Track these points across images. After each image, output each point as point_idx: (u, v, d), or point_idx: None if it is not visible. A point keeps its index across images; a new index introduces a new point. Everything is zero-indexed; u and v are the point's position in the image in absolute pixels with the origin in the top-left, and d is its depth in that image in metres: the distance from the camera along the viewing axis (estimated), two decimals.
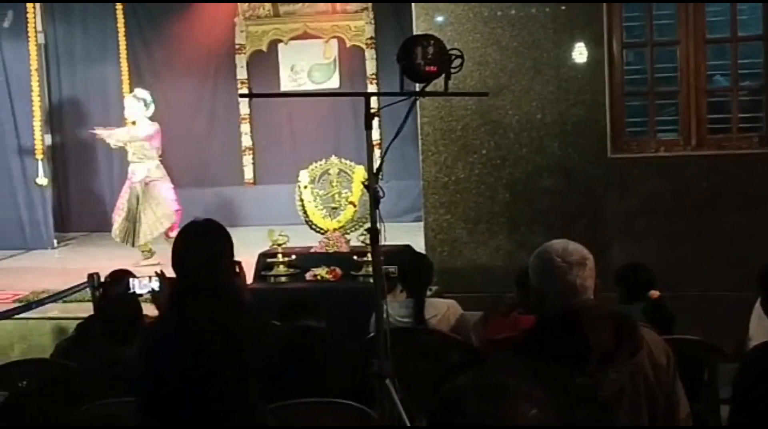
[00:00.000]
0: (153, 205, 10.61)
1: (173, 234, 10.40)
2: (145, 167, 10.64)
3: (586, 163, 8.58)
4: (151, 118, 10.84)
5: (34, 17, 11.92)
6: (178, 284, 3.71)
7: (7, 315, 8.07)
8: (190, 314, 3.57)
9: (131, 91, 12.61)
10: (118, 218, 10.77)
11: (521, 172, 8.72)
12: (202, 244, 3.67)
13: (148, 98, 10.81)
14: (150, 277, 5.26)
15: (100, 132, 10.81)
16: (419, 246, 8.73)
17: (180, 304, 3.65)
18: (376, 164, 4.43)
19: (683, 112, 8.54)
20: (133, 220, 10.60)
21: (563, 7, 8.50)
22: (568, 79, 8.56)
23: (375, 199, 4.33)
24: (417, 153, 9.12)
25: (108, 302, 5.54)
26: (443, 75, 4.26)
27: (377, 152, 9.83)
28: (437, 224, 8.92)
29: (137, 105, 10.73)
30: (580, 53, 8.53)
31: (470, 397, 2.01)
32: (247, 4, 13.09)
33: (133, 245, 10.64)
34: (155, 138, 10.66)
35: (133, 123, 10.92)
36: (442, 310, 6.14)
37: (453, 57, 4.24)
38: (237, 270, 4.00)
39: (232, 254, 3.76)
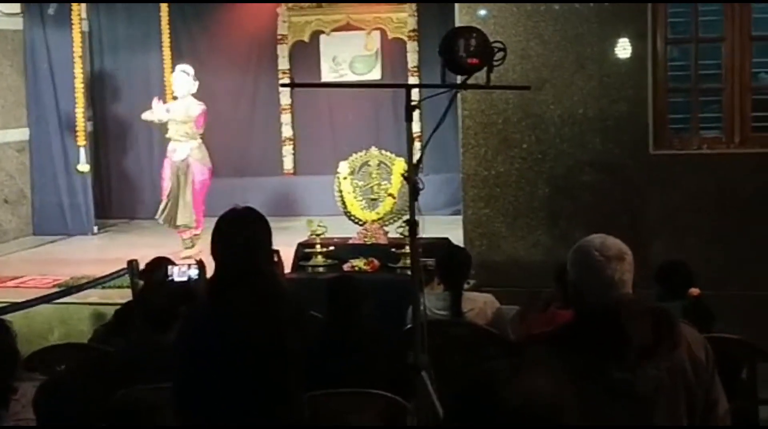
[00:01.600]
0: (189, 191, 10.53)
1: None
2: (187, 146, 10.49)
3: (628, 158, 8.52)
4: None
5: (78, 5, 11.98)
6: (217, 271, 3.72)
7: (47, 299, 8.13)
8: (229, 301, 3.58)
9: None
10: (164, 200, 10.65)
11: (562, 167, 8.68)
12: (241, 231, 3.68)
13: (193, 73, 10.71)
14: (189, 264, 5.28)
15: (156, 108, 10.55)
16: (458, 239, 8.71)
17: (218, 291, 3.66)
18: (416, 156, 4.43)
19: (727, 110, 8.47)
20: (174, 200, 10.50)
21: (607, 3, 8.44)
22: (610, 74, 8.51)
23: (414, 191, 4.33)
24: (457, 146, 9.10)
25: (147, 289, 5.58)
26: (485, 68, 4.24)
27: (417, 144, 9.82)
28: (476, 218, 8.90)
29: (187, 79, 10.56)
30: (623, 48, 8.47)
31: (489, 379, 2.02)
32: None
33: (173, 226, 10.56)
34: (202, 118, 10.61)
35: (174, 98, 10.85)
36: (479, 303, 6.12)
37: (495, 50, 4.22)
38: (275, 259, 4.02)
39: (270, 243, 3.77)
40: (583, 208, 8.56)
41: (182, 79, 10.56)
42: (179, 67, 10.79)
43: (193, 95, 10.57)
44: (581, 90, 8.57)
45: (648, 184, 8.50)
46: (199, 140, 10.58)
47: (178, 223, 10.52)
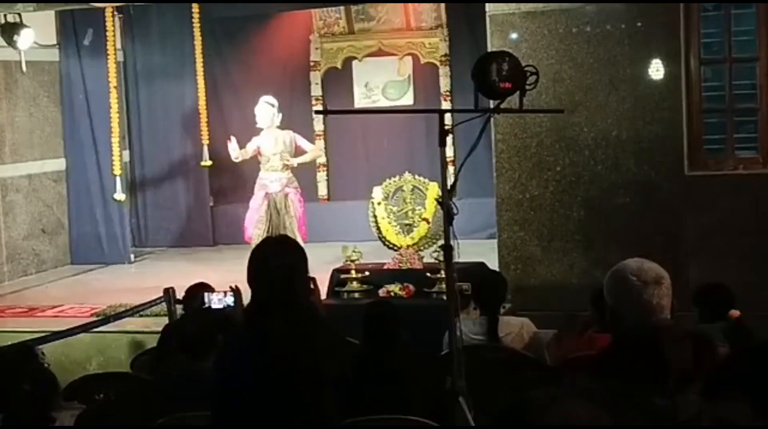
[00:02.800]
0: (290, 217, 10.40)
1: None
2: (284, 176, 10.41)
3: (663, 180, 8.48)
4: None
5: (114, 35, 12.09)
6: (253, 299, 3.73)
7: (85, 329, 8.18)
8: (266, 329, 3.59)
9: (207, 107, 12.78)
10: (257, 232, 10.37)
11: (596, 190, 8.65)
12: (277, 259, 3.69)
13: (277, 104, 10.62)
14: (225, 292, 5.30)
15: (232, 149, 10.50)
16: (493, 263, 8.70)
17: (255, 318, 3.67)
18: (449, 181, 4.42)
19: (762, 130, 8.41)
20: (274, 232, 10.25)
21: (639, 24, 8.43)
22: (644, 95, 8.48)
23: (449, 216, 4.32)
24: (491, 170, 9.09)
25: (185, 317, 5.60)
26: (518, 92, 4.24)
27: (451, 169, 9.82)
28: (511, 241, 8.87)
29: (271, 110, 10.51)
30: (656, 70, 8.44)
31: (528, 407, 2.02)
32: (322, 21, 13.18)
33: None
34: (302, 143, 10.59)
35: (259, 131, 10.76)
36: (515, 328, 6.10)
37: (528, 74, 4.22)
38: (312, 286, 4.02)
39: (306, 270, 3.78)
40: (619, 230, 8.52)
41: (266, 110, 10.47)
42: (263, 98, 10.58)
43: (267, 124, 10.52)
44: (615, 112, 8.55)
45: (684, 206, 8.45)
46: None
47: None
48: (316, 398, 3.60)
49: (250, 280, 3.73)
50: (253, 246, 10.00)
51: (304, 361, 3.57)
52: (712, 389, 2.95)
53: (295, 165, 10.53)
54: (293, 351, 3.56)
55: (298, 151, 10.56)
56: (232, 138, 10.54)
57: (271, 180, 10.42)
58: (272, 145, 10.42)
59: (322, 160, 13.17)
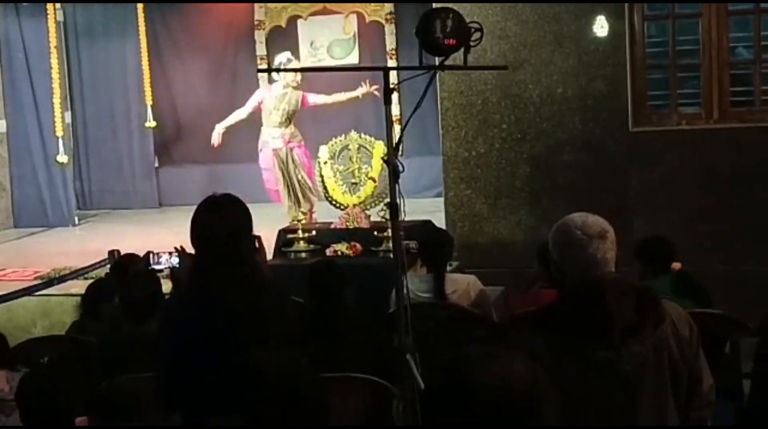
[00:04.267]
0: (300, 172, 10.14)
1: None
2: (286, 132, 10.19)
3: (608, 137, 8.52)
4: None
5: None
6: (197, 259, 3.69)
7: (28, 292, 8.09)
8: (210, 289, 3.56)
9: (151, 68, 12.65)
10: (282, 189, 10.18)
11: (542, 147, 8.67)
12: (221, 218, 3.64)
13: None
14: (170, 253, 5.26)
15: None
16: (440, 221, 8.70)
17: (199, 279, 3.63)
18: (395, 139, 4.40)
19: (705, 86, 8.46)
20: (294, 187, 10.12)
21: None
22: (589, 52, 8.49)
23: (395, 174, 4.30)
24: (437, 128, 9.08)
25: (128, 279, 5.55)
26: (462, 48, 4.21)
27: (397, 127, 9.79)
28: (458, 199, 8.89)
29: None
30: (601, 26, 8.45)
31: (465, 363, 2.02)
32: None
33: (303, 211, 9.92)
34: (308, 98, 10.35)
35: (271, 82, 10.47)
36: (462, 285, 6.12)
37: (472, 30, 4.19)
38: (257, 244, 3.99)
39: (251, 228, 3.74)
40: (565, 187, 8.56)
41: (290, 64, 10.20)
42: (284, 54, 10.33)
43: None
44: (560, 69, 8.56)
45: (628, 162, 8.50)
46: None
47: (315, 199, 10.04)
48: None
49: (194, 241, 3.68)
50: (287, 209, 10.01)
51: (249, 320, 3.54)
52: None
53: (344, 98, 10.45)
54: (237, 311, 3.52)
55: (306, 107, 10.35)
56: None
57: (273, 136, 10.21)
58: (278, 100, 10.18)
59: None
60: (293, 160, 10.18)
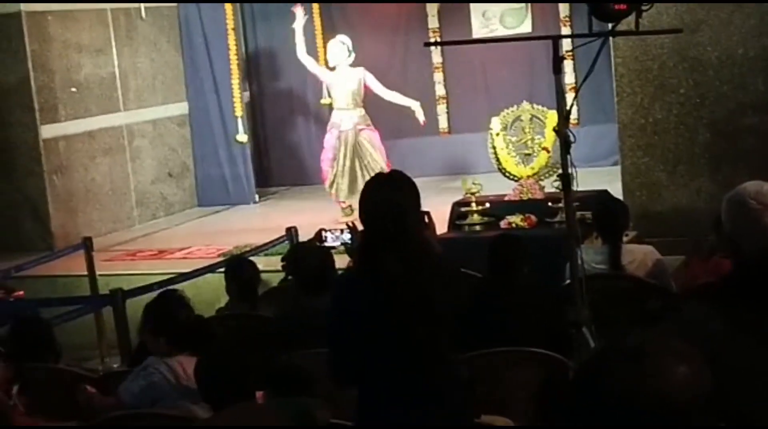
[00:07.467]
0: (368, 156, 10.40)
1: None
2: (355, 115, 10.48)
3: None
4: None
5: None
6: (365, 236, 3.72)
7: (212, 269, 8.32)
8: (380, 265, 3.58)
9: (325, 42, 12.80)
10: (331, 171, 10.53)
11: (722, 111, 8.38)
12: (387, 195, 3.66)
13: (350, 44, 10.71)
14: (342, 229, 5.33)
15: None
16: (617, 190, 8.53)
17: (369, 255, 3.66)
18: (567, 108, 4.34)
19: None
20: (349, 173, 10.40)
21: None
22: None
23: (566, 144, 4.25)
24: (612, 95, 8.89)
25: (302, 254, 5.65)
26: (634, 13, 4.11)
27: (570, 96, 9.63)
28: (635, 167, 8.69)
29: (342, 49, 10.59)
30: None
31: (613, 361, 1.87)
32: None
33: (348, 196, 10.35)
34: (372, 83, 10.63)
35: (332, 68, 10.86)
36: (639, 255, 5.99)
37: None
38: (426, 220, 3.99)
39: (419, 205, 3.74)
40: (747, 152, 8.25)
41: (339, 48, 10.59)
42: (338, 37, 10.76)
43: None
44: (740, 29, 8.24)
45: None
46: (363, 109, 10.61)
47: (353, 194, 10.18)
48: (431, 334, 3.58)
49: (362, 217, 3.72)
50: (327, 185, 10.32)
51: (418, 296, 3.55)
52: None
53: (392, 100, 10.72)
54: (406, 287, 3.54)
55: (367, 91, 10.58)
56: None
57: (342, 118, 10.49)
58: (342, 83, 10.51)
59: (442, 92, 13.06)
60: (359, 143, 10.36)
